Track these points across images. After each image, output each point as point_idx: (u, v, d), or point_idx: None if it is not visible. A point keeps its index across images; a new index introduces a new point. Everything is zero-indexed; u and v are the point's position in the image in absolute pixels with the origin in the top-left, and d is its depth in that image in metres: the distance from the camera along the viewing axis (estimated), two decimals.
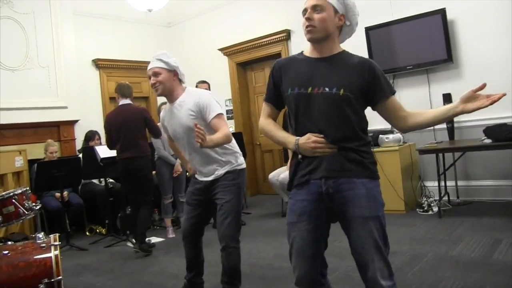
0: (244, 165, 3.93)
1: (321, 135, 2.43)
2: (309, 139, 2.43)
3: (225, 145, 3.71)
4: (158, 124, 6.44)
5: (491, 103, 2.30)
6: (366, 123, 2.55)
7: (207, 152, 3.67)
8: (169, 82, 3.77)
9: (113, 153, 6.55)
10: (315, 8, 2.45)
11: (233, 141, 3.86)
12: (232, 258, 3.74)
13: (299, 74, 2.53)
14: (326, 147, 2.42)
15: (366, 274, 2.41)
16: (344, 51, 2.57)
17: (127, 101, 6.12)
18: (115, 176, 7.14)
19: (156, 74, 3.75)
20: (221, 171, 3.74)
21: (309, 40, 2.53)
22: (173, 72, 3.78)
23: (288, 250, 2.60)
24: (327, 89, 2.42)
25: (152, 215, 6.57)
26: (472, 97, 2.36)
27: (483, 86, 2.32)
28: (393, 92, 2.51)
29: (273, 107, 2.72)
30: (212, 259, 4.50)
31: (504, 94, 2.28)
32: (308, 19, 2.46)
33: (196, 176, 3.88)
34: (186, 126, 3.66)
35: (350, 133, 2.45)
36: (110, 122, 6.05)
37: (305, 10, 2.49)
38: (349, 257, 2.62)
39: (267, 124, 2.72)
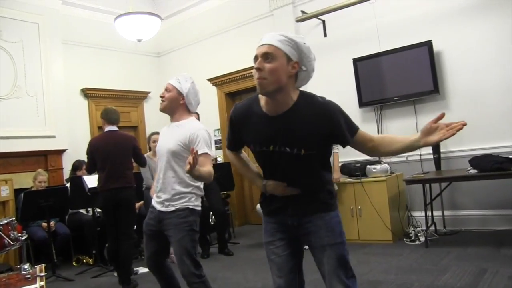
0: (198, 207, 3.86)
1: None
2: (277, 187, 2.57)
3: (189, 184, 3.77)
4: (146, 154, 6.47)
5: (452, 135, 2.30)
6: (328, 161, 2.67)
7: (170, 184, 3.76)
8: (174, 103, 3.81)
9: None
10: (266, 56, 2.34)
11: (202, 185, 3.93)
12: None
13: (258, 132, 2.50)
14: (292, 191, 2.55)
15: None
16: (300, 97, 2.45)
17: (114, 127, 5.95)
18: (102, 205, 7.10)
19: (167, 89, 3.83)
20: (172, 207, 3.75)
21: (260, 94, 2.43)
22: (182, 96, 3.81)
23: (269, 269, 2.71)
24: (288, 149, 2.43)
25: (135, 249, 6.38)
26: (432, 128, 2.35)
27: (441, 116, 2.33)
28: (355, 132, 2.48)
29: (236, 151, 2.83)
30: None
31: (465, 124, 2.30)
32: (258, 69, 2.34)
33: (153, 201, 3.91)
34: (170, 149, 3.73)
35: (314, 183, 2.56)
36: (97, 148, 5.82)
37: (255, 58, 2.38)
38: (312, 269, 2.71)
39: (234, 159, 2.82)
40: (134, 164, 7.65)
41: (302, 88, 2.54)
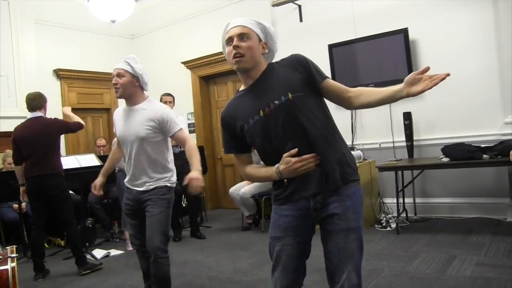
0: (174, 184, 3.95)
1: (294, 152, 2.38)
2: (289, 163, 2.38)
3: (164, 164, 3.83)
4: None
5: (434, 85, 2.22)
6: (329, 113, 2.55)
7: (144, 168, 3.78)
8: (130, 87, 3.76)
9: (73, 164, 6.47)
10: (242, 36, 2.46)
11: (172, 158, 3.96)
12: (162, 268, 3.82)
13: (246, 107, 2.51)
14: (308, 162, 2.38)
15: (335, 283, 2.45)
16: (269, 64, 2.57)
17: (38, 113, 5.68)
18: (75, 188, 7.04)
19: (119, 75, 3.75)
20: (151, 185, 3.81)
21: (237, 70, 2.50)
22: (136, 78, 3.76)
23: (272, 265, 2.59)
24: (276, 102, 2.40)
25: (79, 233, 6.16)
26: (415, 79, 2.26)
27: (426, 69, 2.25)
28: (324, 77, 2.50)
29: (242, 154, 2.69)
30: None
31: (448, 74, 2.23)
32: (236, 46, 2.44)
33: (126, 182, 3.93)
34: (139, 135, 3.72)
35: (322, 134, 2.42)
36: (20, 138, 5.58)
37: (229, 39, 2.48)
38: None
39: (247, 170, 2.68)
40: (106, 147, 7.59)
41: None
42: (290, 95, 2.38)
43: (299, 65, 2.47)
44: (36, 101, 5.73)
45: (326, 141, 2.43)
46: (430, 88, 2.23)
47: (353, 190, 2.46)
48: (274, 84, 2.44)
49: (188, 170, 3.51)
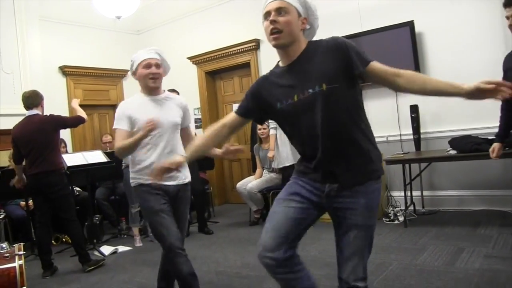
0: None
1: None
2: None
3: None
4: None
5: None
6: (362, 106, 2.53)
7: (181, 153, 3.56)
8: (161, 79, 3.79)
9: (79, 160, 6.46)
10: (279, 11, 2.38)
11: None
12: (188, 264, 3.60)
13: (282, 86, 2.48)
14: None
15: (341, 274, 2.46)
16: (308, 44, 2.49)
17: (34, 111, 5.66)
18: (82, 185, 7.06)
19: (158, 66, 3.72)
20: (184, 180, 3.71)
21: (274, 46, 2.46)
22: (163, 68, 3.80)
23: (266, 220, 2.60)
24: (310, 90, 2.37)
25: (81, 230, 6.15)
26: (487, 88, 2.30)
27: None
28: (367, 63, 2.41)
29: (245, 119, 2.74)
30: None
31: None
32: (273, 21, 2.38)
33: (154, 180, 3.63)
34: (175, 121, 3.70)
35: (348, 129, 2.40)
36: (17, 136, 5.62)
37: (267, 13, 2.42)
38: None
39: (212, 129, 2.79)
40: (112, 143, 7.61)
41: None
42: (324, 86, 2.35)
43: (339, 51, 2.38)
44: (32, 99, 5.70)
45: (352, 137, 2.40)
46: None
47: (371, 188, 2.45)
48: (311, 70, 2.40)
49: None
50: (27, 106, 5.69)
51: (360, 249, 2.43)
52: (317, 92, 2.35)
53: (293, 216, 2.48)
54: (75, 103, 6.06)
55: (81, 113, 5.91)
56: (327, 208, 2.50)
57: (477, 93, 2.29)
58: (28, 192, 5.84)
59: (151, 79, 3.68)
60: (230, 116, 2.73)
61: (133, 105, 3.73)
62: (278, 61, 2.58)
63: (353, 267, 2.42)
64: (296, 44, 2.44)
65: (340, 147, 2.40)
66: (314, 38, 2.57)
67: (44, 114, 5.78)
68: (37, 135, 5.52)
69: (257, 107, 2.62)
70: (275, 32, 2.39)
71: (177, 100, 3.82)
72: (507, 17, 4.23)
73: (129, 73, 3.89)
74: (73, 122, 5.98)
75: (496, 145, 4.40)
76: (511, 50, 4.27)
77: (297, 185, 2.54)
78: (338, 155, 2.41)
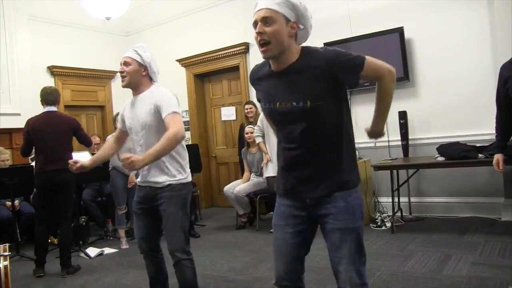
0: (190, 178, 3.74)
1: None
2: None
3: (175, 156, 3.59)
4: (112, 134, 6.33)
5: None
6: (347, 120, 2.49)
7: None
8: (137, 76, 3.60)
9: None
10: (265, 20, 2.34)
11: (184, 152, 3.73)
12: (186, 272, 3.58)
13: (266, 88, 2.50)
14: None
15: (339, 284, 2.44)
16: (302, 52, 2.44)
17: (53, 108, 5.72)
18: None
19: (126, 63, 3.59)
20: (165, 181, 3.57)
21: (264, 58, 2.45)
22: (144, 67, 3.61)
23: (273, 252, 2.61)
24: (294, 103, 2.37)
25: (72, 233, 6.16)
26: None
27: None
28: (360, 69, 2.36)
29: None
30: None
31: None
32: (259, 33, 2.36)
33: (138, 182, 3.75)
34: (143, 121, 3.54)
35: (333, 148, 2.41)
36: (34, 129, 5.62)
37: (255, 23, 2.39)
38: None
39: None
40: (100, 145, 7.58)
41: None
42: (308, 103, 2.34)
43: (329, 67, 2.33)
44: (53, 96, 5.75)
45: (329, 151, 2.41)
46: None
47: (348, 193, 2.43)
48: (298, 84, 2.37)
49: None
50: (46, 103, 5.71)
51: (348, 253, 2.39)
52: (301, 107, 2.36)
53: (292, 241, 2.52)
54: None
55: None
56: (314, 218, 2.50)
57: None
58: (38, 189, 5.82)
59: (121, 78, 3.64)
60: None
61: (125, 108, 3.78)
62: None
63: (345, 273, 2.39)
64: (287, 52, 2.40)
65: (317, 159, 2.42)
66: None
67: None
68: (56, 131, 5.60)
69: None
70: (263, 44, 2.37)
71: (153, 95, 3.56)
72: None
73: (117, 74, 3.85)
74: (84, 136, 6.01)
75: (499, 157, 4.24)
76: (510, 59, 4.21)
77: (285, 206, 2.57)
78: (313, 166, 2.43)
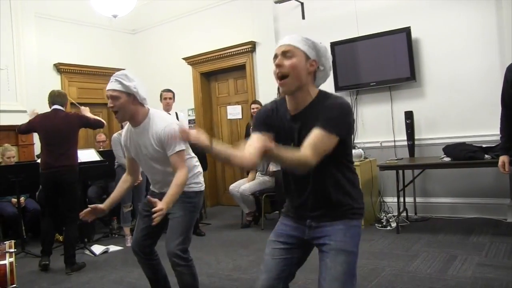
0: (202, 187, 3.73)
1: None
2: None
3: (190, 168, 3.60)
4: (118, 132, 6.36)
5: None
6: (348, 163, 2.53)
7: (167, 181, 3.49)
8: (129, 107, 3.43)
9: None
10: (285, 54, 2.38)
11: (194, 160, 3.73)
12: (184, 277, 3.55)
13: (281, 129, 2.51)
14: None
15: None
16: (318, 95, 2.47)
17: (59, 107, 5.80)
18: None
19: (114, 98, 3.41)
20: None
21: (283, 93, 2.47)
22: (132, 96, 3.42)
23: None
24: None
25: (77, 231, 6.20)
26: None
27: None
28: (326, 129, 2.31)
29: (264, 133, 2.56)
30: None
31: None
32: (278, 65, 2.39)
33: (152, 187, 3.77)
34: (150, 154, 3.50)
35: (336, 186, 2.46)
36: (40, 125, 5.73)
37: (275, 57, 2.43)
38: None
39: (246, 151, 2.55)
40: (106, 142, 7.61)
41: None
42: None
43: (325, 111, 2.37)
44: (60, 98, 5.87)
45: (337, 181, 2.46)
46: None
47: (349, 220, 2.46)
48: (308, 127, 2.36)
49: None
50: (54, 103, 5.81)
51: (340, 275, 2.33)
52: None
53: (279, 257, 2.52)
54: (87, 111, 6.08)
55: (97, 119, 6.11)
56: (310, 240, 2.52)
57: None
58: (44, 189, 5.91)
59: (114, 114, 3.51)
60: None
61: (126, 137, 3.70)
62: (283, 98, 2.56)
63: None
64: (304, 91, 2.43)
65: (324, 190, 2.45)
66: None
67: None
68: (63, 128, 5.66)
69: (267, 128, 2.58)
70: (281, 77, 2.39)
71: (153, 132, 3.46)
72: None
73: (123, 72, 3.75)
74: (95, 122, 6.06)
75: (504, 159, 4.17)
76: None
77: (282, 225, 2.63)
78: (321, 197, 2.46)
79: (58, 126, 5.64)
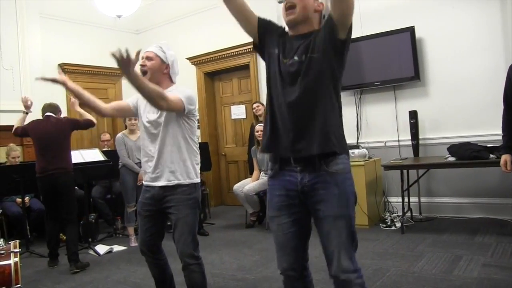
0: (199, 179, 3.58)
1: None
2: None
3: (187, 156, 3.46)
4: (122, 132, 6.37)
5: None
6: (337, 87, 2.52)
7: (166, 158, 3.40)
8: (158, 73, 3.45)
9: (77, 159, 6.47)
10: None
11: (195, 153, 3.58)
12: (194, 276, 3.47)
13: (278, 45, 2.56)
14: None
15: (331, 272, 2.45)
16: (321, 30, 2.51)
17: (51, 114, 5.95)
18: (79, 183, 7.02)
19: (148, 58, 3.45)
20: (173, 181, 3.42)
21: (287, 22, 2.52)
22: (166, 65, 3.48)
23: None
24: (296, 58, 2.45)
25: (78, 231, 6.30)
26: None
27: None
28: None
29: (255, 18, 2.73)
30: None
31: None
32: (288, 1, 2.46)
33: (145, 181, 3.58)
34: (159, 121, 3.40)
35: (324, 109, 2.43)
36: (33, 130, 5.83)
37: None
38: (316, 270, 2.62)
39: None
40: (110, 142, 7.61)
41: None
42: (306, 55, 2.42)
43: (326, 22, 2.44)
44: (51, 108, 6.04)
45: (315, 107, 2.43)
46: None
47: (341, 178, 2.44)
48: (307, 46, 2.45)
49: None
50: (46, 112, 5.99)
51: (342, 240, 2.42)
52: (300, 60, 2.45)
53: (289, 231, 2.54)
54: (77, 106, 6.06)
55: (88, 116, 6.12)
56: (307, 207, 2.51)
57: None
58: (42, 193, 6.00)
59: (142, 72, 3.45)
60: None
61: (142, 101, 3.53)
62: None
63: (338, 260, 2.41)
64: (308, 23, 2.49)
65: (303, 114, 2.44)
66: None
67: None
68: (55, 132, 5.75)
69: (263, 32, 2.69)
70: (289, 7, 2.45)
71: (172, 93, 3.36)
72: None
73: None
74: (85, 123, 6.12)
75: (507, 158, 4.16)
76: None
77: (276, 197, 2.58)
78: (305, 124, 2.44)
79: (50, 131, 5.74)
